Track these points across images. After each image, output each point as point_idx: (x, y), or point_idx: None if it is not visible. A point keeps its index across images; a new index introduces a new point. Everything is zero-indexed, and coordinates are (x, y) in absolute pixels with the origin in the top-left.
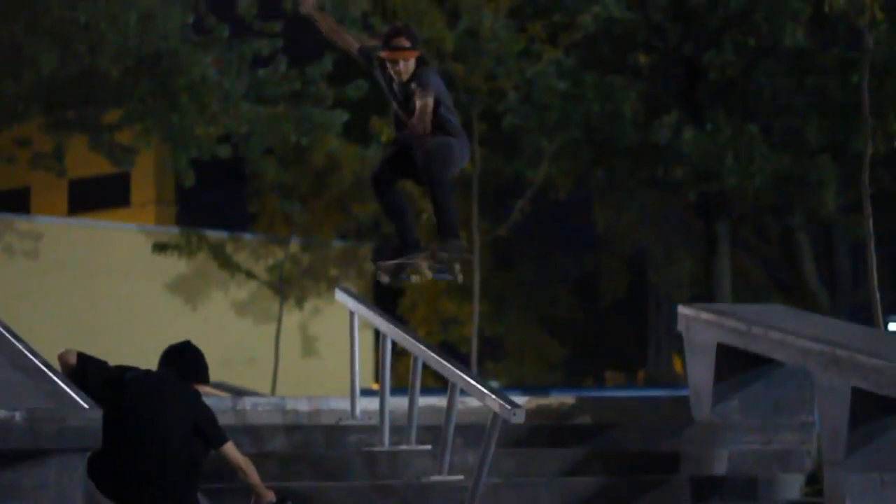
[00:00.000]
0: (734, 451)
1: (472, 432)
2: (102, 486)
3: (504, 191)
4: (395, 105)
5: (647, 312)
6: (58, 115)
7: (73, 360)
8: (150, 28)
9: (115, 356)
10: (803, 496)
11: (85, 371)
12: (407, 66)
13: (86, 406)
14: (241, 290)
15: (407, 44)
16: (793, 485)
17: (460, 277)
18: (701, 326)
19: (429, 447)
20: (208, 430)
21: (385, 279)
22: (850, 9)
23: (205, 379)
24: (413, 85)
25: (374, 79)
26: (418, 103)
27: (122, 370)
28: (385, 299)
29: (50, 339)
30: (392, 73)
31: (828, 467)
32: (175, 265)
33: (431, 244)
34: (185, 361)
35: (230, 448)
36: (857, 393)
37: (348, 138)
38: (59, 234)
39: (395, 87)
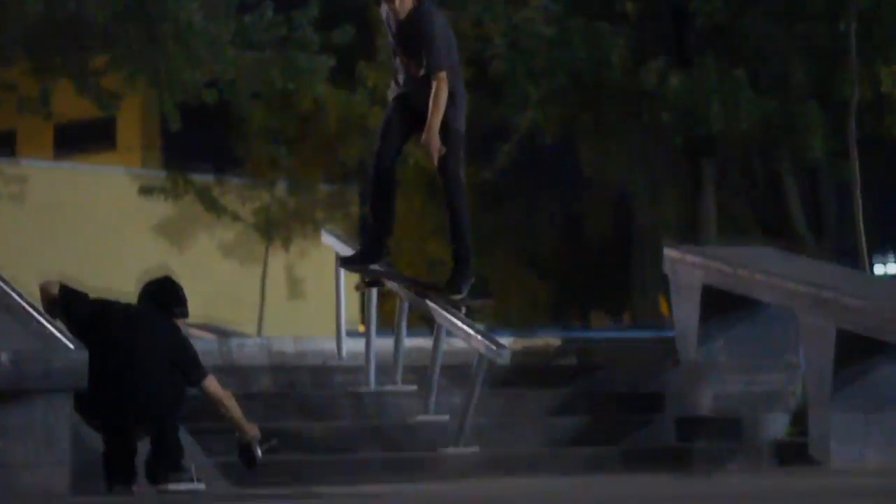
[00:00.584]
0: (719, 391)
1: (457, 373)
2: (87, 415)
3: (490, 134)
4: (392, 42)
5: (632, 254)
6: (44, 60)
7: (55, 290)
8: None
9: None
10: (787, 436)
11: (68, 303)
12: (402, 3)
13: (71, 346)
14: (228, 233)
15: None
16: (777, 424)
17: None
18: (687, 268)
19: (414, 388)
20: (188, 364)
21: (362, 288)
22: None
23: (184, 312)
24: (420, 51)
25: (362, 23)
26: (433, 88)
27: (104, 303)
28: None
29: (36, 282)
30: (388, 9)
31: (812, 407)
32: (161, 208)
33: (449, 292)
34: (164, 295)
35: (211, 382)
36: (842, 334)
37: (335, 83)
38: (46, 177)
39: (393, 24)
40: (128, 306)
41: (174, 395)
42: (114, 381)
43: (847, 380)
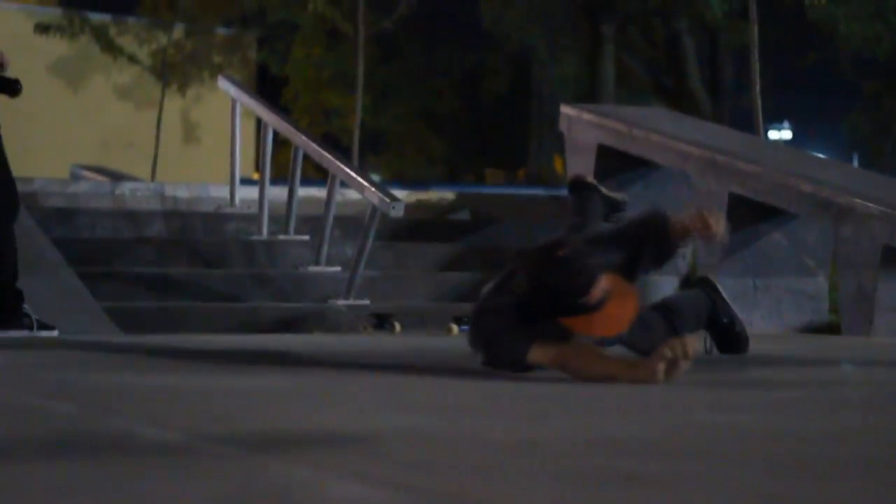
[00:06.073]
0: None
1: (351, 225)
2: None
3: None
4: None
5: (529, 111)
6: None
7: None
8: None
9: None
10: None
11: None
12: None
13: None
14: (124, 75)
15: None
16: (666, 287)
17: None
18: (583, 126)
19: (307, 238)
20: None
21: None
22: None
23: None
24: None
25: None
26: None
27: None
28: (268, 89)
29: None
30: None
31: (702, 271)
32: (57, 47)
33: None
34: None
35: None
36: (733, 198)
37: None
38: None
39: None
40: None
41: None
42: None
43: (737, 244)
